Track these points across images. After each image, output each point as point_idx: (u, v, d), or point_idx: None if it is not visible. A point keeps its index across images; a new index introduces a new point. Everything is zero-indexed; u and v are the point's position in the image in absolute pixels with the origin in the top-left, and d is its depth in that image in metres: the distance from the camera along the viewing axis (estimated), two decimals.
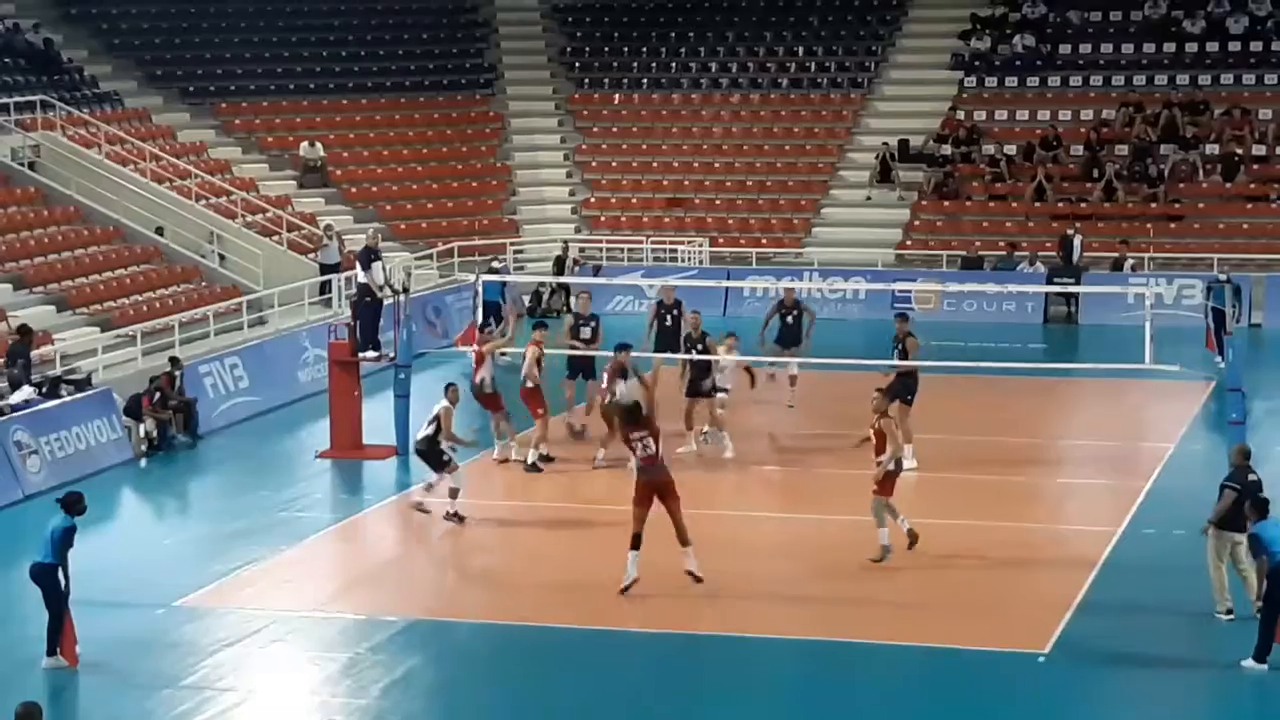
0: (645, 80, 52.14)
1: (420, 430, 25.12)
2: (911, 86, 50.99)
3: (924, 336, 30.33)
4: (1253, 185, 45.78)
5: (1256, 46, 49.17)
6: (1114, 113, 48.17)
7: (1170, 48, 49.73)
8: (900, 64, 51.87)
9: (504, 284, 36.37)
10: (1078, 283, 40.66)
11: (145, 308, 35.65)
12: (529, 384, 27.68)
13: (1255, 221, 44.95)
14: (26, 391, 28.62)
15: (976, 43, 51.07)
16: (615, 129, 51.11)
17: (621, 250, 45.75)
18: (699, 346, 28.65)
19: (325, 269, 39.76)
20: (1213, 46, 49.43)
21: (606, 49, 53.42)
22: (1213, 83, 48.70)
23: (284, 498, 26.79)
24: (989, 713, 18.61)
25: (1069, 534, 24.81)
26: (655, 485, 21.53)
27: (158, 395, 29.70)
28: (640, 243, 45.84)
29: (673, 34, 53.31)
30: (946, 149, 47.93)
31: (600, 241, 46.41)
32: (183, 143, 45.29)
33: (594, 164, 50.11)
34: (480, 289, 30.54)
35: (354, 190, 47.52)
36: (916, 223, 46.75)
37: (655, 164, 49.73)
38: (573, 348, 29.26)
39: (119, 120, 43.96)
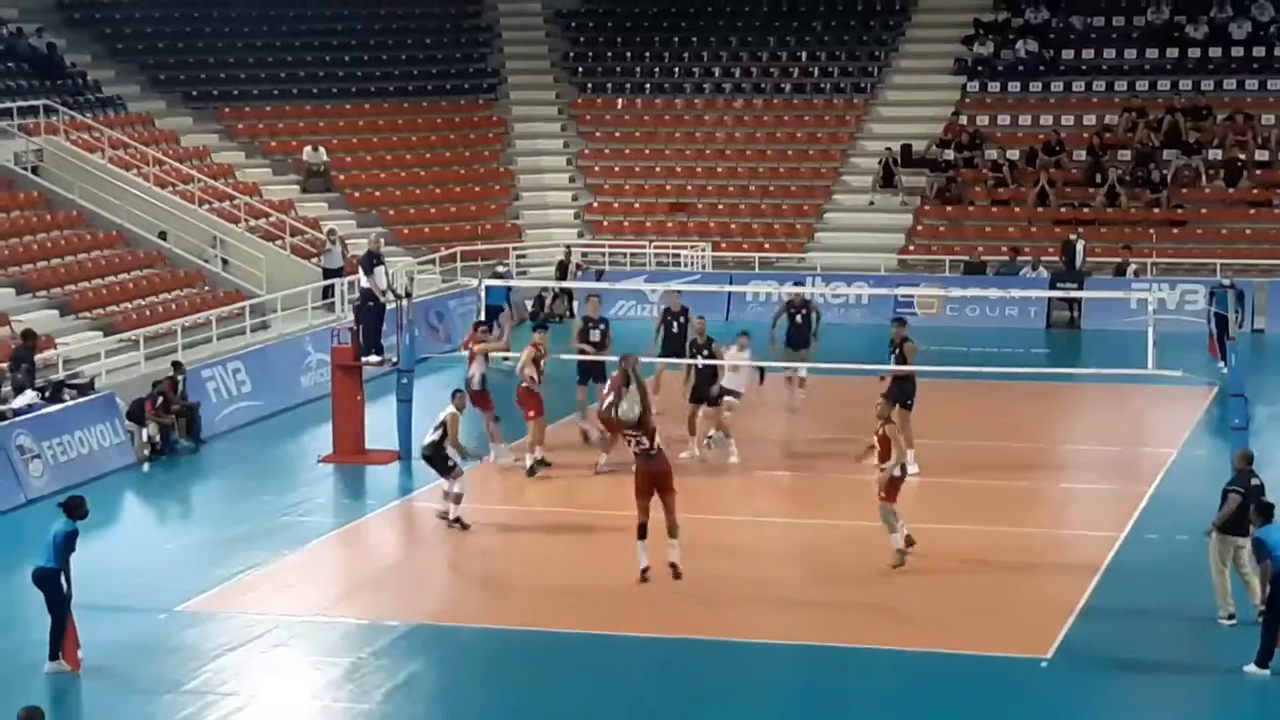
0: (648, 85, 52.15)
1: (427, 436, 25.10)
2: (914, 91, 50.99)
3: (927, 341, 30.37)
4: (1255, 190, 45.77)
5: (1259, 52, 49.18)
6: (1117, 118, 48.18)
7: (1173, 53, 49.73)
8: (903, 69, 51.87)
9: (509, 288, 36.48)
10: (1080, 288, 40.66)
11: (148, 312, 35.66)
12: (522, 384, 27.70)
13: (1258, 227, 44.95)
14: (29, 396, 28.62)
15: (979, 48, 51.07)
16: (618, 133, 51.13)
17: (624, 255, 45.75)
18: (705, 352, 28.60)
19: (328, 273, 39.74)
20: (1215, 52, 49.43)
21: (609, 54, 53.42)
22: (1215, 88, 48.70)
23: (286, 502, 26.80)
24: (992, 718, 18.61)
25: (1071, 539, 24.80)
26: (653, 475, 21.69)
27: (160, 400, 29.70)
28: (643, 247, 45.85)
29: (676, 39, 53.32)
30: (949, 154, 47.93)
31: (603, 246, 46.42)
32: (186, 147, 45.31)
33: (597, 168, 50.12)
34: (483, 294, 30.59)
35: (357, 195, 47.54)
36: (919, 228, 46.75)
37: (658, 169, 49.75)
38: (582, 351, 29.22)
39: (122, 125, 43.97)
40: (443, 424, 24.79)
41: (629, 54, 53.14)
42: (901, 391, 27.10)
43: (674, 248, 45.81)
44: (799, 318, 31.85)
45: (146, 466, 29.21)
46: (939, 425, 28.98)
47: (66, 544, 19.20)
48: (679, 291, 31.23)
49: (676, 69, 52.48)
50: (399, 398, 28.99)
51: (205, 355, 33.34)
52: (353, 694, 19.03)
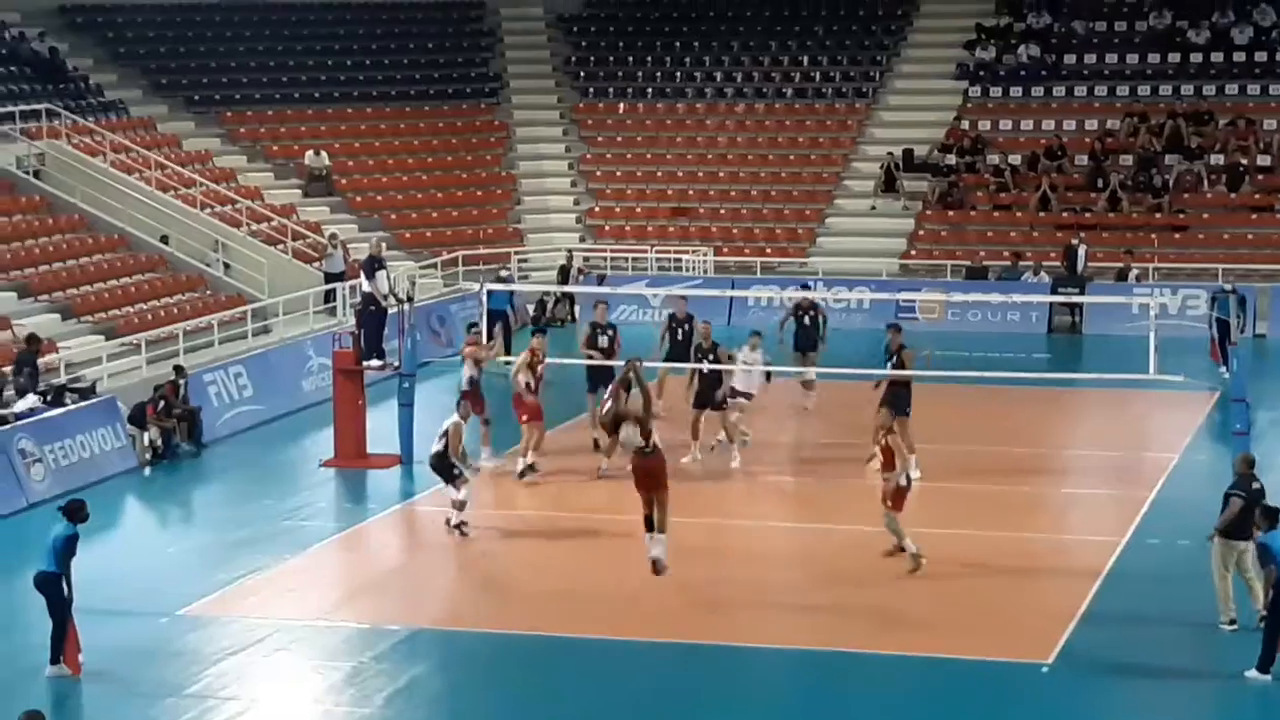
0: (650, 89, 52.15)
1: (433, 444, 25.04)
2: (916, 96, 50.98)
3: (929, 346, 30.38)
4: (1257, 195, 45.76)
5: (1261, 57, 49.17)
6: (1118, 123, 48.18)
7: (1175, 58, 49.73)
8: (905, 74, 51.87)
9: (511, 293, 36.47)
10: (1082, 293, 40.63)
11: (150, 316, 35.67)
12: (515, 389, 27.69)
13: (1260, 232, 44.94)
14: (31, 400, 28.62)
15: (981, 52, 51.07)
16: (620, 138, 51.13)
17: (626, 259, 45.74)
18: (710, 356, 28.56)
19: (330, 278, 39.75)
20: (1217, 57, 49.42)
21: (611, 58, 53.43)
22: (1217, 93, 48.70)
23: (288, 506, 26.80)
24: None
25: (1073, 544, 24.80)
26: (647, 469, 21.65)
27: (162, 404, 29.72)
28: (645, 252, 45.84)
29: (677, 43, 53.32)
30: (951, 159, 47.93)
31: (605, 251, 46.42)
32: (188, 151, 45.31)
33: (599, 173, 50.12)
34: (485, 298, 30.59)
35: (359, 199, 47.55)
36: (921, 232, 46.75)
37: (660, 173, 49.75)
38: (590, 357, 29.17)
39: (124, 129, 43.99)
40: (445, 432, 24.77)
41: (631, 58, 53.15)
42: (899, 398, 27.12)
43: (675, 252, 45.80)
44: (807, 319, 31.91)
45: (148, 470, 29.21)
46: (940, 430, 28.99)
47: (67, 548, 19.21)
48: (685, 298, 31.21)
49: (678, 73, 52.48)
50: (400, 402, 29.01)
51: (207, 359, 33.34)
52: (354, 698, 19.04)
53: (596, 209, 49.05)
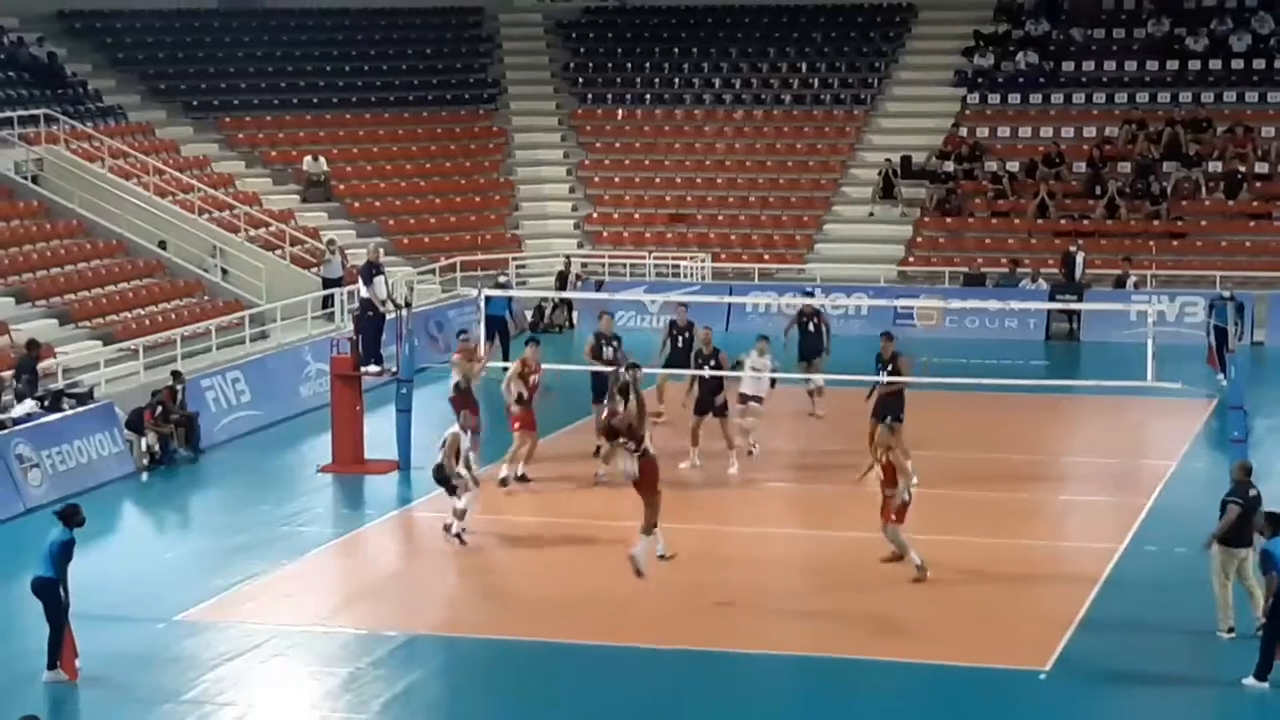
0: (648, 95, 52.18)
1: (436, 455, 25.00)
2: (914, 103, 51.02)
3: (926, 353, 30.39)
4: (1255, 203, 45.79)
5: (1259, 64, 49.22)
6: (1117, 130, 48.20)
7: (1173, 65, 49.78)
8: (903, 80, 51.90)
9: (509, 299, 36.43)
10: (1080, 300, 40.65)
11: (147, 321, 35.66)
12: (506, 401, 27.65)
13: (1258, 239, 44.96)
14: (28, 405, 28.63)
15: (979, 59, 51.11)
16: (618, 144, 51.14)
17: (624, 265, 45.74)
18: (712, 362, 28.52)
19: (328, 283, 39.76)
20: (1215, 64, 49.46)
21: (610, 64, 53.47)
22: (1215, 100, 48.73)
23: (285, 512, 26.79)
24: None
25: (1070, 551, 24.81)
26: (642, 469, 21.68)
27: (159, 409, 29.71)
28: (643, 258, 45.84)
29: (676, 49, 53.36)
30: (949, 165, 47.94)
31: (603, 257, 46.40)
32: (186, 157, 45.31)
33: (597, 179, 50.14)
34: (483, 304, 30.58)
35: (357, 205, 47.54)
36: (919, 239, 46.76)
37: (658, 179, 49.75)
38: (596, 369, 28.97)
39: (122, 134, 44.01)
40: (444, 442, 24.74)
41: (629, 65, 53.20)
42: (891, 407, 27.12)
43: (674, 258, 45.80)
44: (810, 326, 31.93)
45: (145, 476, 29.20)
46: (938, 437, 29.00)
47: (63, 553, 19.20)
48: (686, 305, 31.17)
49: (677, 80, 52.52)
50: (398, 408, 29.00)
51: (204, 365, 33.34)
52: (351, 704, 19.02)
53: (595, 215, 49.05)
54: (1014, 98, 50.13)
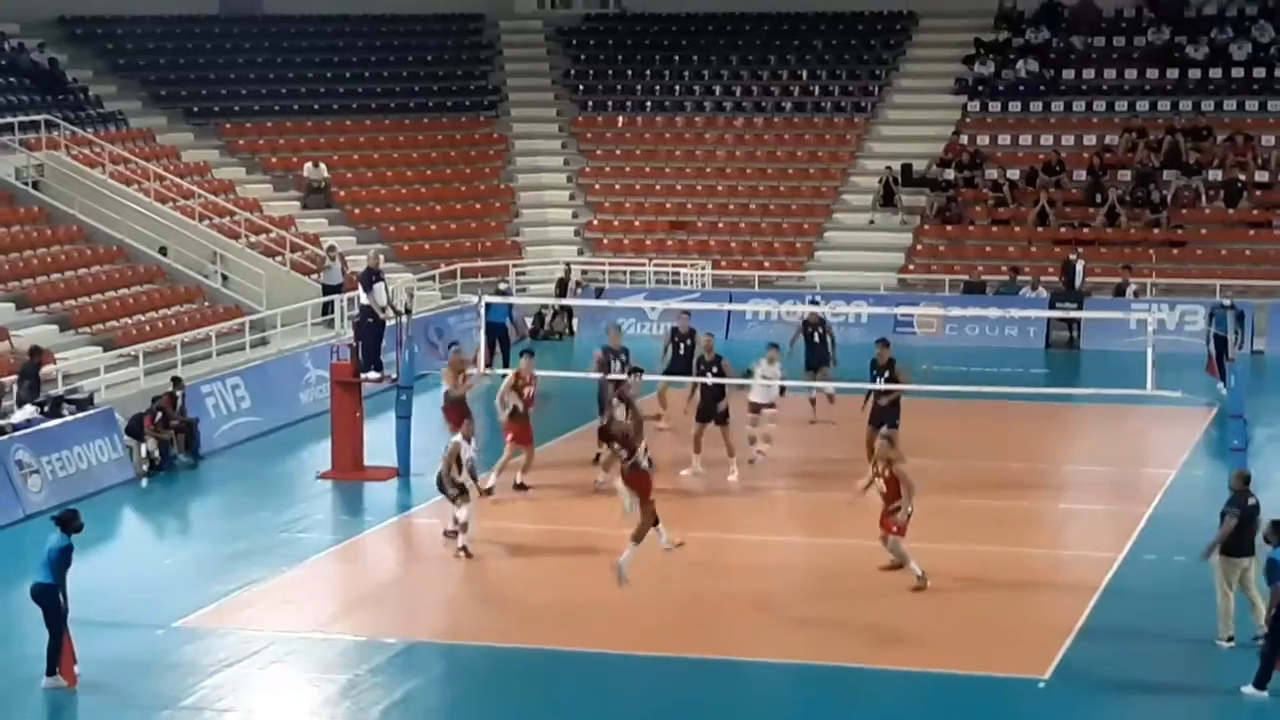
0: (649, 103, 52.21)
1: (438, 462, 24.98)
2: (915, 111, 51.05)
3: (926, 361, 30.38)
4: (1255, 211, 45.80)
5: (1259, 73, 49.24)
6: (1117, 138, 48.23)
7: (1173, 73, 49.80)
8: (903, 88, 51.93)
9: (510, 306, 36.38)
10: (1080, 308, 40.65)
11: (148, 327, 35.66)
12: (501, 412, 27.62)
13: (1257, 247, 44.98)
14: (28, 410, 28.62)
15: (980, 67, 51.14)
16: (619, 151, 51.17)
17: (624, 273, 45.76)
18: (714, 369, 28.49)
19: (328, 290, 39.75)
20: (1215, 72, 49.50)
21: (610, 72, 53.49)
22: (1215, 109, 48.77)
23: (285, 518, 26.79)
24: None
25: (1070, 559, 24.80)
26: (633, 481, 21.78)
27: (159, 415, 29.71)
28: (643, 265, 45.86)
29: (676, 57, 53.39)
30: (949, 173, 47.98)
31: (603, 264, 46.43)
32: (186, 163, 45.35)
33: (597, 186, 50.16)
34: (484, 311, 30.55)
35: (357, 211, 47.56)
36: (919, 247, 46.77)
37: (658, 186, 49.77)
38: (603, 381, 28.77)
39: (123, 140, 44.03)
40: (446, 450, 24.72)
41: (630, 72, 53.21)
42: (887, 414, 27.11)
43: (674, 266, 45.82)
44: (815, 336, 31.93)
45: (145, 482, 29.19)
46: (938, 445, 29.00)
47: (62, 559, 19.20)
48: (688, 313, 31.13)
49: (677, 87, 52.54)
50: (398, 414, 29.00)
51: (205, 371, 33.35)
52: (350, 711, 19.02)
53: (595, 222, 49.07)
54: (1014, 106, 50.16)
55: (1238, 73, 49.38)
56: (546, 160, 51.36)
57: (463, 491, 24.42)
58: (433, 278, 43.18)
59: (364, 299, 30.73)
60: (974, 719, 18.91)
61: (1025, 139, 49.27)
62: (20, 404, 28.82)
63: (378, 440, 29.32)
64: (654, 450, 23.70)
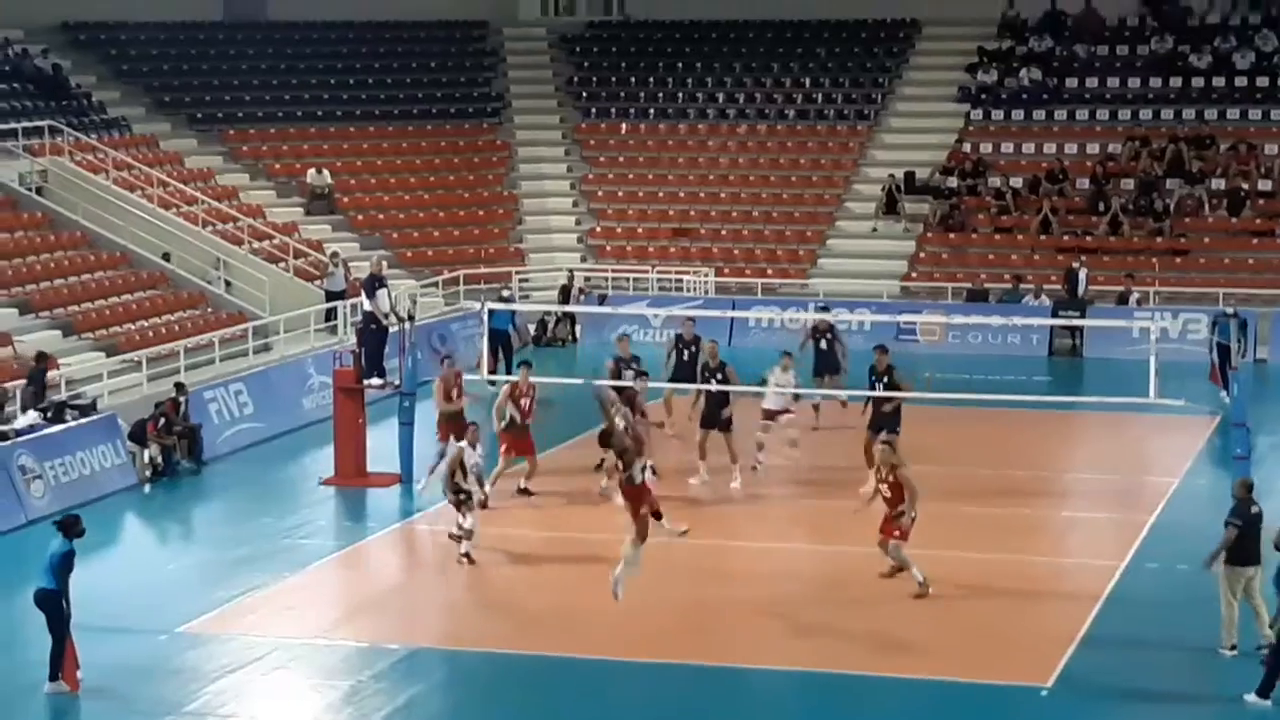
0: (652, 110, 52.23)
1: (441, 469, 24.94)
2: (918, 119, 51.07)
3: (930, 368, 30.38)
4: (1258, 220, 45.80)
5: (1263, 82, 49.26)
6: (1120, 147, 48.23)
7: (1176, 82, 49.81)
8: (907, 96, 51.95)
9: (513, 313, 36.34)
10: (1083, 316, 40.65)
11: (151, 333, 35.70)
12: (497, 423, 27.59)
13: (1261, 256, 44.97)
14: (31, 416, 28.64)
15: (983, 76, 51.15)
16: (622, 158, 51.19)
17: (627, 280, 45.76)
18: (718, 376, 28.48)
19: (331, 296, 39.78)
20: (1219, 81, 49.51)
21: (614, 79, 53.53)
22: (1219, 118, 48.76)
23: (287, 524, 26.79)
24: None
25: (1072, 567, 24.80)
26: (630, 494, 21.82)
27: (162, 421, 29.72)
28: (646, 272, 45.86)
29: (680, 64, 53.43)
30: (952, 181, 47.98)
31: (606, 271, 46.41)
32: (190, 169, 45.38)
33: (600, 193, 50.16)
34: (486, 317, 30.58)
35: (360, 217, 47.59)
36: (922, 255, 46.77)
37: (661, 194, 49.78)
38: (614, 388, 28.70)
39: (126, 146, 44.06)
40: (448, 456, 24.69)
41: (633, 79, 53.25)
42: (887, 420, 27.11)
43: (677, 273, 45.81)
44: (824, 343, 31.92)
45: (148, 488, 29.20)
46: (940, 452, 29.00)
47: (64, 564, 19.21)
48: (693, 319, 31.12)
49: (680, 94, 52.56)
50: (401, 421, 29.00)
51: (207, 377, 33.35)
52: (352, 717, 19.02)
53: (598, 229, 49.08)
54: (1017, 114, 50.17)
55: (1241, 82, 49.39)
56: (550, 167, 51.37)
57: (467, 498, 24.42)
58: (436, 284, 43.18)
59: (367, 305, 30.74)
60: None
61: (1028, 147, 49.29)
62: (24, 409, 28.82)
63: (380, 446, 29.34)
64: (660, 457, 23.72)
